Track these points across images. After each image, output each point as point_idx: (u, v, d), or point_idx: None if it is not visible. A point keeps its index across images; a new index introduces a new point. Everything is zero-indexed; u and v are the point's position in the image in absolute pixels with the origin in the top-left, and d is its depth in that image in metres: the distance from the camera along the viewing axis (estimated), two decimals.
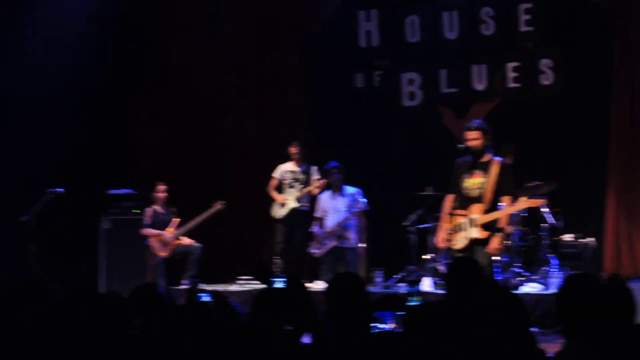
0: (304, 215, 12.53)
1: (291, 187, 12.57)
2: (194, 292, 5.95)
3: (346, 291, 4.77)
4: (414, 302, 5.00)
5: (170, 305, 5.75)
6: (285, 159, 12.70)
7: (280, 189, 12.67)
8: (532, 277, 10.99)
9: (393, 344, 4.23)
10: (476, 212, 8.57)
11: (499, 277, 10.61)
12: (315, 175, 12.50)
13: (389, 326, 4.72)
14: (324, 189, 12.25)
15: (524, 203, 9.00)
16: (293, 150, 12.56)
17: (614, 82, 11.89)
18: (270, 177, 12.72)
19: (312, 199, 12.52)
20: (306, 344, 4.53)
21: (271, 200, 12.66)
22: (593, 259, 11.48)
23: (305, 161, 12.64)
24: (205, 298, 5.81)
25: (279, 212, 12.56)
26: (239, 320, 4.77)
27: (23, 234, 11.19)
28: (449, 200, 8.85)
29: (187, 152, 14.02)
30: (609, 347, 3.87)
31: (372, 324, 4.53)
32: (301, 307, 4.48)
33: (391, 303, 4.23)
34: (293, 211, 12.48)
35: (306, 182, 12.50)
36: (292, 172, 12.62)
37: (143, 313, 5.26)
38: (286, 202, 12.48)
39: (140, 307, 5.35)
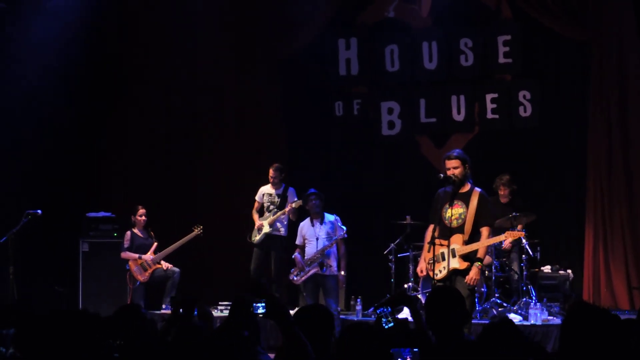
0: (277, 240, 12.43)
1: (269, 210, 12.50)
2: (178, 304, 5.92)
3: (313, 324, 4.85)
4: (385, 325, 5.05)
5: (153, 326, 5.78)
6: (266, 183, 12.66)
7: (261, 211, 12.61)
8: (512, 308, 11.09)
9: None
10: (456, 243, 8.60)
11: (479, 307, 10.71)
12: (292, 197, 12.43)
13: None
14: (296, 212, 12.18)
15: (504, 235, 9.06)
16: (270, 173, 12.42)
17: (590, 113, 12.07)
18: (249, 202, 12.71)
19: (291, 223, 12.43)
20: None
21: (253, 224, 12.59)
22: (571, 291, 11.59)
23: (282, 184, 12.54)
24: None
25: (255, 236, 12.52)
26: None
27: (1, 256, 11.18)
28: (430, 230, 8.84)
29: (163, 175, 14.01)
30: None
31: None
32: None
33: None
34: (266, 236, 12.41)
35: (282, 205, 12.42)
36: (269, 194, 12.55)
37: (125, 333, 5.29)
38: (262, 227, 12.45)
39: (122, 327, 5.37)
